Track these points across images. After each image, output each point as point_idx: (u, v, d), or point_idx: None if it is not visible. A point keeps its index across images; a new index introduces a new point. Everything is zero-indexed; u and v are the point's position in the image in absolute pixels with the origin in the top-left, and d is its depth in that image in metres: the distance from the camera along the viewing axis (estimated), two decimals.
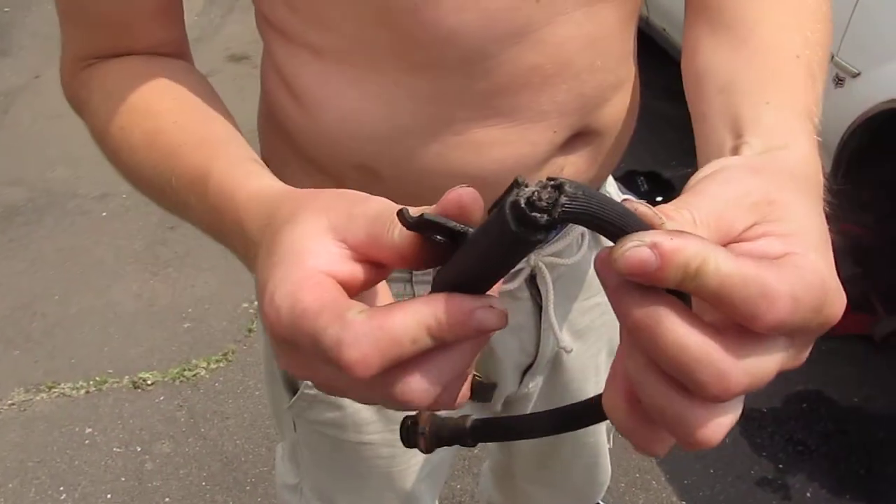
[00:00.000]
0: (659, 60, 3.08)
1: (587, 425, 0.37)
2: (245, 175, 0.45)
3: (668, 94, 3.32)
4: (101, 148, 0.55)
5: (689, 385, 0.29)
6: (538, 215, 0.27)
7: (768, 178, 0.35)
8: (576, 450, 0.94)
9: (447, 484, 1.75)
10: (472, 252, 0.31)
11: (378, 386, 0.32)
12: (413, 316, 0.31)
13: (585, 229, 0.75)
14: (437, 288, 0.32)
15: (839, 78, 1.73)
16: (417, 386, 0.32)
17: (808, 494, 1.74)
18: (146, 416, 2.00)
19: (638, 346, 0.31)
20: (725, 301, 0.28)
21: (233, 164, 0.46)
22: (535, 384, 0.83)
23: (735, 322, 0.29)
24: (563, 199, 0.27)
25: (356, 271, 0.34)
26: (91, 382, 2.09)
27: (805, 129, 0.43)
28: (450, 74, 0.54)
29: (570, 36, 0.55)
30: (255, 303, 2.11)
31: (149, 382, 2.08)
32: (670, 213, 0.32)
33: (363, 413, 0.74)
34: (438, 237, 0.31)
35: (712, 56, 0.50)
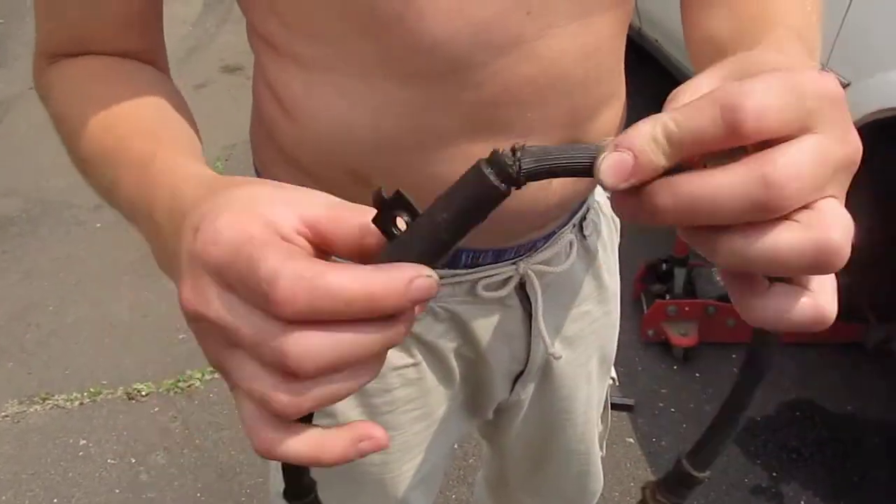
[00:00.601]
0: (652, 70, 3.10)
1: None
2: (189, 162, 0.44)
3: (660, 104, 3.34)
4: (60, 136, 0.55)
5: (753, 218, 0.29)
6: (510, 163, 0.31)
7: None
8: (567, 457, 0.94)
9: (442, 493, 1.75)
10: (437, 213, 0.31)
11: (279, 335, 0.30)
12: (357, 276, 0.29)
13: (574, 238, 0.76)
14: (383, 260, 0.32)
15: None
16: (318, 342, 0.29)
17: (803, 502, 1.74)
18: (141, 427, 1.99)
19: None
20: (707, 136, 0.29)
21: (178, 153, 0.45)
22: (526, 392, 0.84)
23: (757, 149, 0.29)
24: (526, 158, 0.31)
25: (303, 245, 0.32)
26: (85, 394, 2.09)
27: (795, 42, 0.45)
28: (437, 85, 0.54)
29: (565, 49, 0.55)
30: None
31: (143, 393, 2.08)
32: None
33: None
34: (395, 229, 0.31)
35: (709, 23, 0.53)
